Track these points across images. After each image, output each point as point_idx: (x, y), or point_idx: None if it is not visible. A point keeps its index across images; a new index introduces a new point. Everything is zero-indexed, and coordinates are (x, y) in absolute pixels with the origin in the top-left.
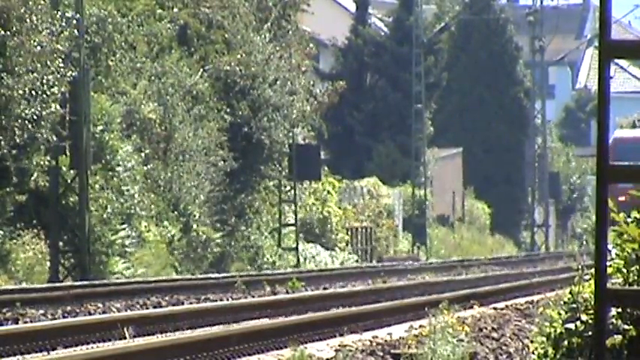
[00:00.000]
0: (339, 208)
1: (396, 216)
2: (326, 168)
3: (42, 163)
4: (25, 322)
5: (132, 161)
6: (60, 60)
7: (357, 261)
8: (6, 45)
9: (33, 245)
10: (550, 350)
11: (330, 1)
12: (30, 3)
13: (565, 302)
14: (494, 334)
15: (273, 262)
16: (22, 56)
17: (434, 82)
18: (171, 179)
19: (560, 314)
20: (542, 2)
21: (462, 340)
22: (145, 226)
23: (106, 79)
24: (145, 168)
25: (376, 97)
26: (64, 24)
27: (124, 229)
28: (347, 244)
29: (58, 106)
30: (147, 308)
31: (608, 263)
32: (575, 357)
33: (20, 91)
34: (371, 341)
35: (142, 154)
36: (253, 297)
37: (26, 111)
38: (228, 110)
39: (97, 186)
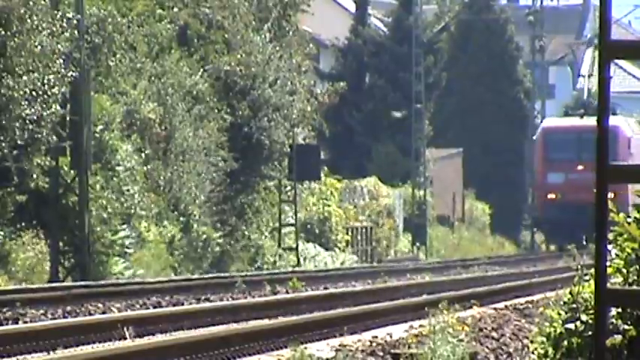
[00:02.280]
0: (339, 207)
1: (397, 216)
2: (326, 168)
3: (42, 163)
4: (25, 322)
5: (132, 161)
6: (60, 60)
7: (356, 261)
8: (6, 45)
9: (33, 245)
10: (550, 350)
11: (330, 2)
12: (30, 3)
13: (565, 302)
14: (494, 334)
15: (274, 262)
16: (22, 57)
17: (434, 82)
18: (172, 179)
19: (560, 314)
20: (542, 2)
21: (462, 340)
22: (145, 227)
23: (107, 79)
24: (145, 168)
25: (376, 97)
26: (64, 24)
27: (124, 229)
28: (347, 245)
29: (58, 107)
30: (147, 308)
31: (607, 263)
32: (575, 357)
33: (21, 92)
34: (371, 341)
35: (142, 154)
36: (253, 297)
37: (27, 111)
38: (228, 110)
39: (97, 186)
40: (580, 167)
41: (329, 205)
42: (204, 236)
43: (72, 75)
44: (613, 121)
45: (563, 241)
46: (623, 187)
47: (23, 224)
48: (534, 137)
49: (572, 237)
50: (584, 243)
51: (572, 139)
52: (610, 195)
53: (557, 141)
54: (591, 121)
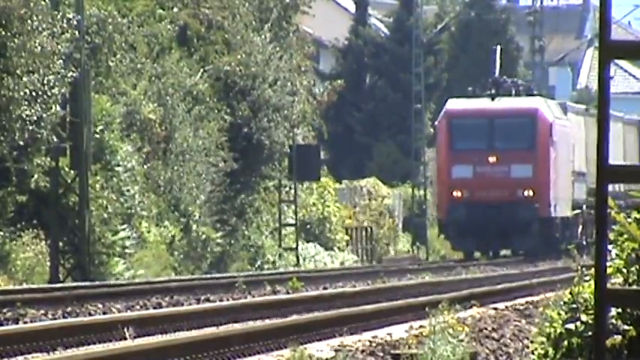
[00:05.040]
0: (339, 208)
1: (396, 216)
2: (326, 168)
3: (42, 163)
4: (26, 323)
5: (132, 161)
6: (60, 61)
7: (356, 261)
8: (7, 46)
9: (33, 246)
10: (550, 350)
11: (330, 2)
12: (30, 4)
13: (565, 302)
14: (495, 335)
15: (274, 261)
16: (22, 57)
17: (434, 82)
18: (172, 179)
19: (560, 314)
20: (542, 2)
21: (462, 341)
22: (145, 227)
23: (107, 79)
24: (145, 168)
25: (376, 97)
26: (64, 25)
27: (124, 229)
28: (347, 244)
29: (58, 107)
30: (147, 309)
31: (608, 263)
32: (575, 357)
33: (21, 92)
34: (371, 341)
35: (142, 154)
36: (253, 297)
37: (27, 112)
38: (228, 111)
39: (97, 186)
40: (492, 159)
41: (328, 206)
42: (204, 236)
43: (72, 75)
44: (530, 102)
45: (471, 248)
46: (543, 186)
47: (23, 224)
48: (436, 122)
49: (483, 243)
50: (584, 243)
51: (483, 124)
52: (529, 193)
53: (463, 127)
54: (505, 102)
